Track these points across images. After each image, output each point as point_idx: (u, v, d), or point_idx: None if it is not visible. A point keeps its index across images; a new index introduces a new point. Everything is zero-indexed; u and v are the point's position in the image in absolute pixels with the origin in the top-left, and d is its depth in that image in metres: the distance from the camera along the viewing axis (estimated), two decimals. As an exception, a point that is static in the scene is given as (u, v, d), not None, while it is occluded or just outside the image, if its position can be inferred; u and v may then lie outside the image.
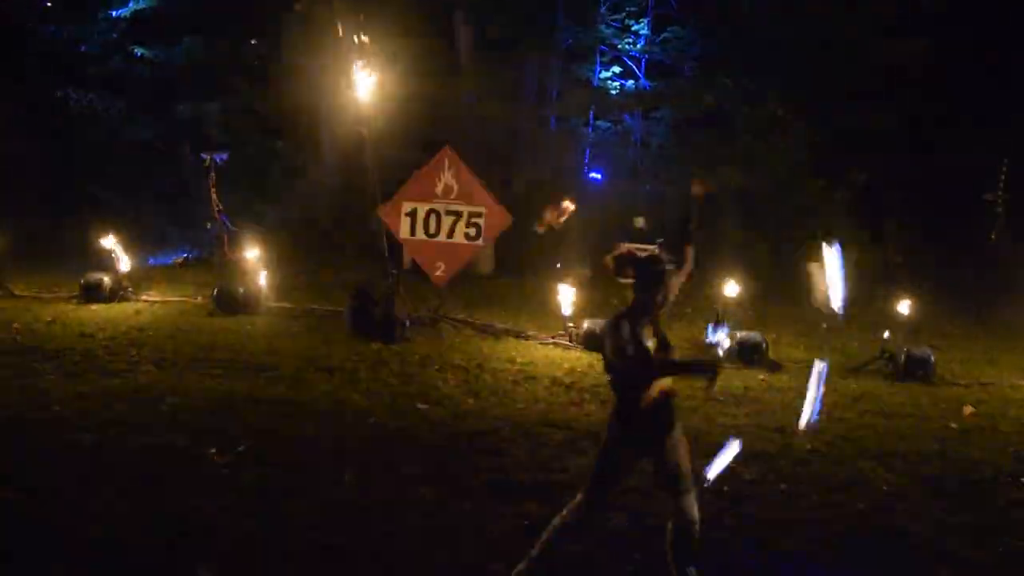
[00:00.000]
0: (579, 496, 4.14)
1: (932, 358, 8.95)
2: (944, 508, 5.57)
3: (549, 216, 8.79)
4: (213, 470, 5.49)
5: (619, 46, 16.36)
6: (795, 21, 14.58)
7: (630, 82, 16.68)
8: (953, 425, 7.38)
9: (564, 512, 4.12)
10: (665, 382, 3.98)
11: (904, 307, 9.88)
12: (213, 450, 5.79)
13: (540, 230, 9.01)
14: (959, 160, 15.43)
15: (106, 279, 10.59)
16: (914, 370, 8.82)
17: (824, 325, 11.05)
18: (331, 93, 14.37)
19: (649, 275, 4.06)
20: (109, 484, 5.15)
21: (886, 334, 9.40)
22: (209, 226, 12.77)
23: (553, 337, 9.63)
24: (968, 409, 7.81)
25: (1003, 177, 11.91)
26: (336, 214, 14.19)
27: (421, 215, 11.89)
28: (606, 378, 4.11)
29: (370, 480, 5.49)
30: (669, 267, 4.09)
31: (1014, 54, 14.83)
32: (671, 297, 4.15)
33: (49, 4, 17.33)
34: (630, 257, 4.20)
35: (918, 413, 7.67)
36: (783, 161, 14.27)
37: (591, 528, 4.32)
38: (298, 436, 6.20)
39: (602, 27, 16.17)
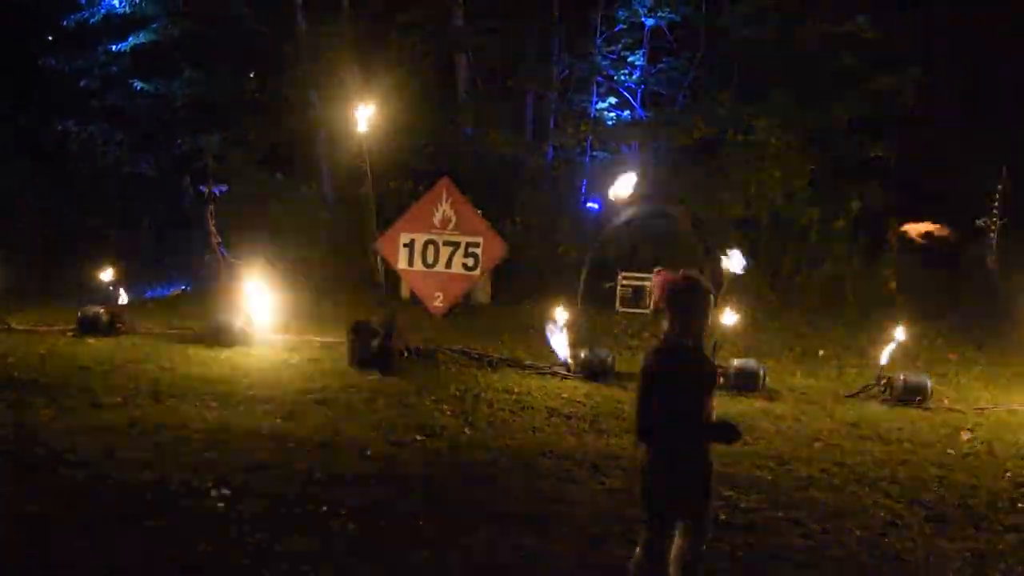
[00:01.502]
0: None
1: (929, 383, 8.95)
2: (942, 534, 5.57)
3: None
4: (210, 505, 5.47)
5: (615, 77, 16.53)
6: (789, 52, 14.75)
7: (626, 112, 16.83)
8: (950, 451, 7.38)
9: None
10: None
11: (901, 333, 9.89)
12: (210, 484, 5.78)
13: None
14: (957, 186, 15.55)
15: (103, 312, 10.60)
16: (911, 396, 8.81)
17: (821, 352, 11.10)
18: (330, 125, 14.53)
19: (685, 302, 3.68)
20: (103, 521, 5.13)
21: (883, 360, 9.40)
22: (207, 258, 12.82)
23: (550, 367, 9.62)
24: (965, 435, 7.81)
25: (996, 203, 11.97)
26: (334, 245, 14.26)
27: (419, 246, 12.01)
28: None
29: (367, 513, 5.47)
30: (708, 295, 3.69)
31: (1009, 79, 14.98)
32: (706, 327, 3.78)
33: (51, 38, 17.56)
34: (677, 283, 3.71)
35: (915, 439, 7.66)
36: (779, 189, 14.36)
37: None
38: (295, 469, 6.19)
39: (599, 59, 16.34)
